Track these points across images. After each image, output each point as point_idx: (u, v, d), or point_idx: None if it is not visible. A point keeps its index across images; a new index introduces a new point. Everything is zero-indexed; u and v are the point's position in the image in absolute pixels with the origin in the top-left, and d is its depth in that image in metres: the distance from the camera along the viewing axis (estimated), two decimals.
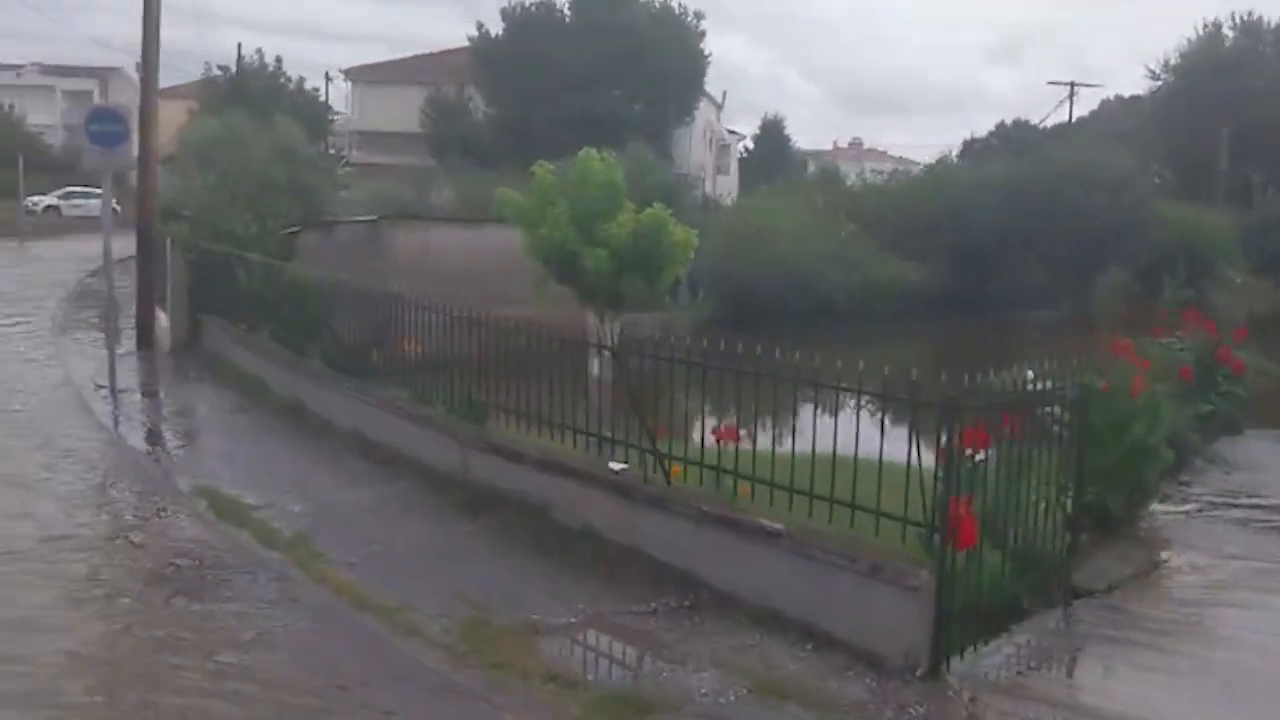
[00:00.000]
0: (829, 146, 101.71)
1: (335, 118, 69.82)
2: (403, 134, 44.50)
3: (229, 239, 18.57)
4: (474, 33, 42.31)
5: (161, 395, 14.04)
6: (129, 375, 14.77)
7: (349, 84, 49.07)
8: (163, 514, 9.12)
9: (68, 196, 50.77)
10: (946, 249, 28.40)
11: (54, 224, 47.06)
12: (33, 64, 78.41)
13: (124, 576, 7.66)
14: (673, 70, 40.38)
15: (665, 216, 17.16)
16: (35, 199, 49.30)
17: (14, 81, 74.22)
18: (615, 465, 8.75)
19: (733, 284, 22.59)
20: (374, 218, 18.67)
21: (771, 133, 67.94)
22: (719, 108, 54.60)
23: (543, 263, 17.39)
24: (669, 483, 8.05)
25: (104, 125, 12.78)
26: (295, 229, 19.75)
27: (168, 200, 27.61)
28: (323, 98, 67.47)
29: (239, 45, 54.04)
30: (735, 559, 7.07)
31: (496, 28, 41.86)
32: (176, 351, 16.33)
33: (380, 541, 8.25)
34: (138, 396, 13.84)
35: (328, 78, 69.68)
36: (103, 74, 77.82)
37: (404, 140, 44.42)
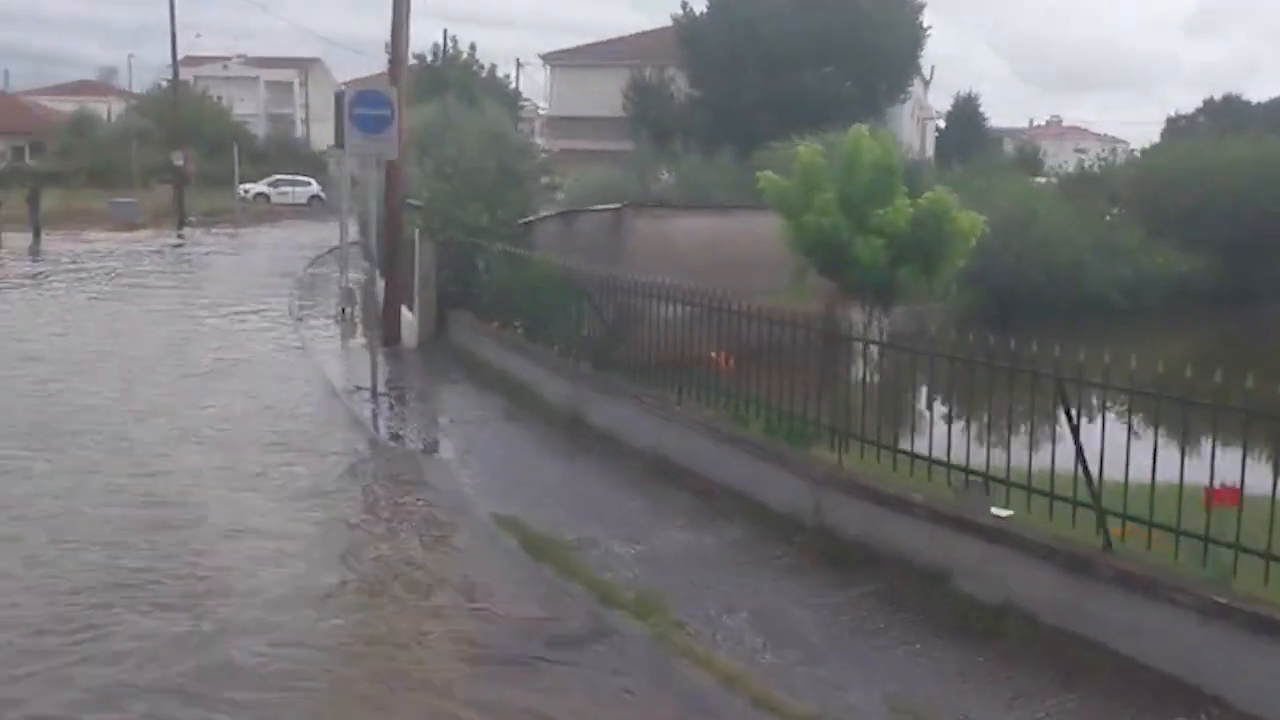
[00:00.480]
0: (1023, 124, 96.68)
1: (524, 104, 70.11)
2: (600, 119, 43.54)
3: (461, 229, 17.65)
4: (678, 12, 40.77)
5: (423, 399, 13.04)
6: (383, 375, 13.85)
7: (547, 69, 48.49)
8: (469, 553, 7.91)
9: (276, 184, 52.05)
10: (1216, 236, 25.30)
11: (264, 211, 48.22)
12: (238, 56, 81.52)
13: (441, 658, 6.20)
14: (889, 45, 37.92)
15: (950, 201, 15.26)
16: (246, 187, 50.66)
17: (221, 73, 77.19)
18: (999, 512, 7.05)
19: (992, 274, 20.37)
20: (616, 205, 17.34)
21: (966, 111, 64.29)
22: (926, 84, 51.65)
23: (804, 253, 15.76)
24: (1109, 546, 6.30)
25: (369, 109, 11.78)
26: (532, 218, 18.69)
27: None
28: (512, 85, 68.00)
29: (444, 32, 53.88)
30: (1270, 670, 5.24)
31: (701, 5, 40.31)
32: (424, 347, 15.41)
33: (747, 608, 6.71)
34: (400, 400, 12.87)
35: (518, 64, 70.20)
36: (303, 64, 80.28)
37: (601, 125, 43.46)
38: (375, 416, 11.95)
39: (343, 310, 18.83)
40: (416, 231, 15.42)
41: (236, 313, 19.02)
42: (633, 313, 11.21)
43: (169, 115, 58.49)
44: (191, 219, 40.99)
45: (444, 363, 14.49)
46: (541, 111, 54.42)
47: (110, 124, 62.70)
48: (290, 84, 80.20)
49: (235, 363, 14.45)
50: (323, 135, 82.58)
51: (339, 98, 18.48)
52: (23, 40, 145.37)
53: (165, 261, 28.57)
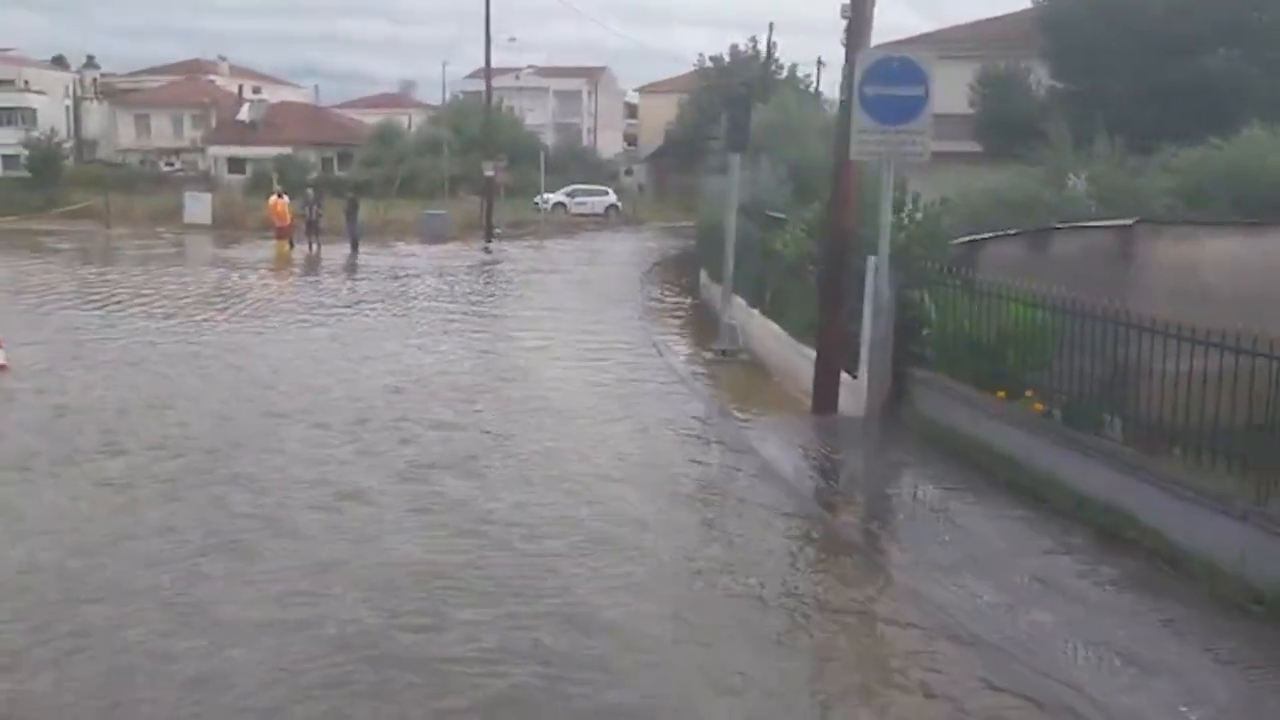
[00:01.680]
0: None
1: (827, 105, 65.61)
2: (940, 116, 38.28)
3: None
4: None
5: (941, 533, 8.59)
6: (849, 471, 9.71)
7: None
8: None
9: (574, 194, 49.99)
10: None
11: (564, 221, 46.08)
12: (529, 67, 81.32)
13: None
14: None
15: None
16: (544, 197, 48.86)
17: (513, 84, 77.05)
18: None
19: None
20: (1124, 222, 12.59)
21: None
22: None
23: None
24: None
25: (892, 86, 7.60)
26: (973, 238, 14.16)
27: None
28: (813, 85, 63.65)
29: (771, 37, 50.31)
30: None
31: None
32: (878, 422, 11.02)
33: None
34: (905, 528, 8.55)
35: (820, 63, 65.79)
36: (591, 73, 79.16)
37: (940, 123, 38.25)
38: (885, 571, 7.73)
39: (723, 352, 15.04)
40: (870, 261, 11.16)
41: (595, 356, 15.58)
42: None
43: (465, 125, 58.30)
44: (498, 230, 39.07)
45: (927, 453, 9.98)
46: None
47: (411, 135, 63.17)
48: (578, 93, 79.16)
49: (618, 433, 10.84)
50: (609, 144, 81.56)
51: (734, 98, 14.78)
52: (328, 60, 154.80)
53: (487, 280, 26.02)
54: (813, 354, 12.95)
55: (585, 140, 75.85)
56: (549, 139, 71.60)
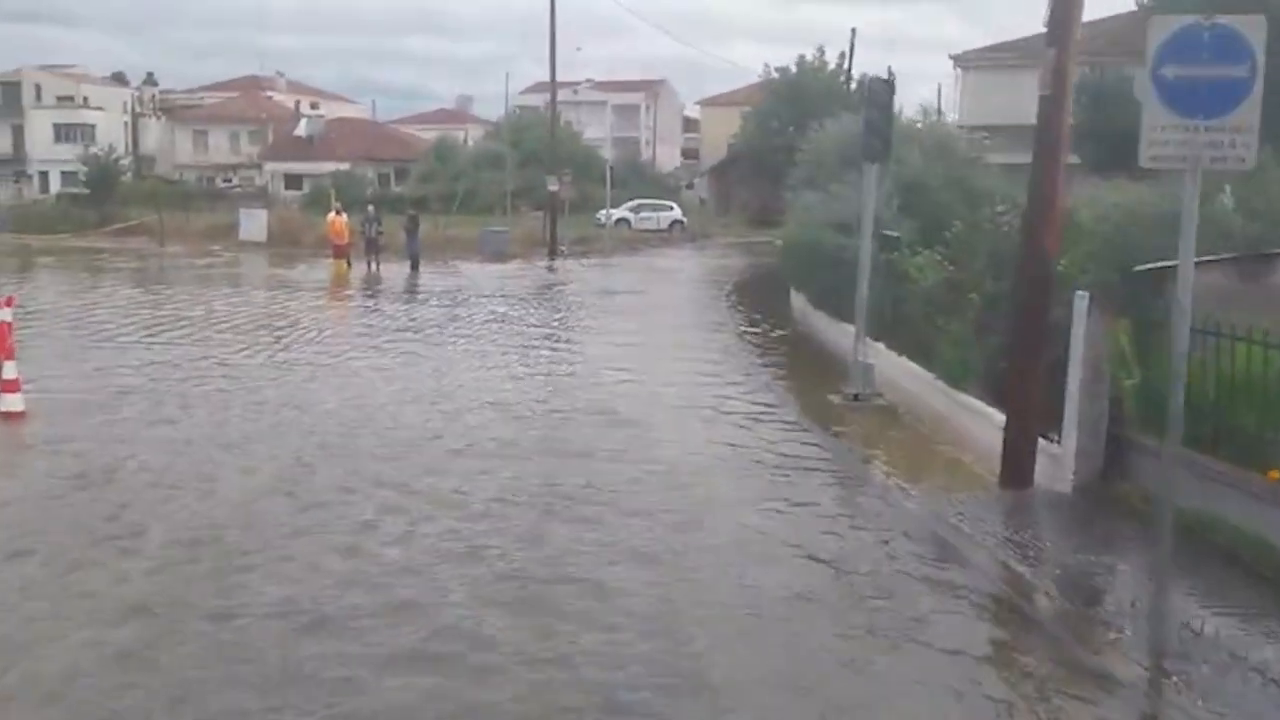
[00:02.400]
0: None
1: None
2: (1021, 126, 35.65)
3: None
4: None
5: (1243, 677, 6.14)
6: (1089, 582, 7.29)
7: (957, 72, 41.18)
8: None
9: (638, 209, 47.87)
10: None
11: (628, 237, 43.98)
12: (586, 80, 79.60)
13: None
14: None
15: None
16: (606, 212, 46.81)
17: (572, 98, 75.32)
18: None
19: None
20: None
21: None
22: None
23: None
24: None
25: (1204, 65, 5.21)
26: (1156, 266, 11.72)
27: (840, 216, 21.17)
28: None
29: (852, 47, 48.11)
30: None
31: None
32: (1092, 497, 8.66)
33: None
34: (1192, 675, 6.03)
35: (890, 73, 63.06)
36: (650, 87, 77.30)
37: (1021, 134, 35.63)
38: None
39: (854, 396, 12.73)
40: (1086, 299, 8.80)
41: (703, 400, 13.33)
42: None
43: (523, 140, 56.56)
44: (562, 248, 37.07)
45: (1177, 551, 7.48)
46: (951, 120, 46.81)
47: (469, 150, 61.62)
48: (636, 107, 77.24)
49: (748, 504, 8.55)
50: (667, 157, 79.55)
51: (874, 95, 12.59)
52: (384, 77, 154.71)
53: (558, 304, 23.89)
54: (978, 406, 10.61)
55: (644, 154, 73.84)
56: (607, 153, 69.69)
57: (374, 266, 29.73)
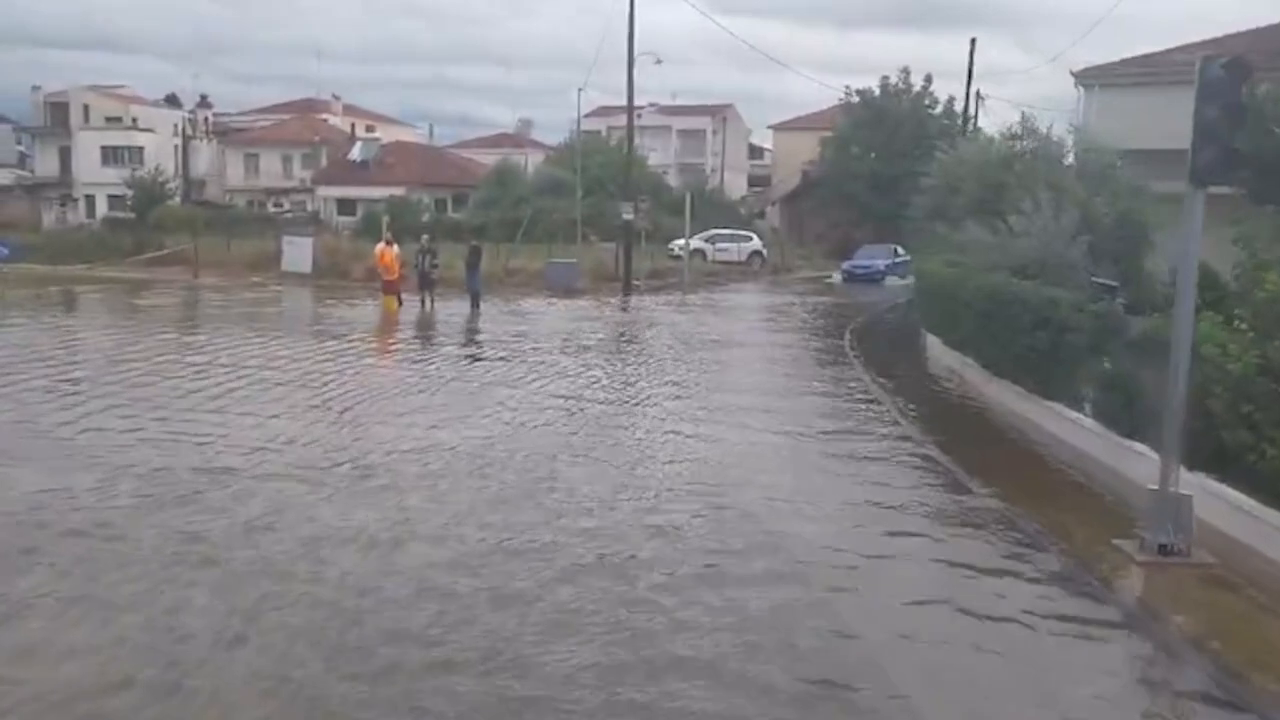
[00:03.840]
0: None
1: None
2: (1162, 151, 30.67)
3: None
4: None
5: None
6: None
7: (1080, 90, 36.38)
8: None
9: (713, 239, 43.35)
10: None
11: (704, 271, 39.52)
12: (650, 104, 75.47)
13: None
14: None
15: None
16: (687, 242, 42.45)
17: (636, 123, 71.25)
18: None
19: None
20: None
21: None
22: None
23: None
24: None
25: None
26: None
27: (1019, 256, 16.59)
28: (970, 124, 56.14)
29: (972, 56, 43.53)
30: None
31: None
32: None
33: None
34: None
35: (979, 96, 58.22)
36: (716, 111, 72.99)
37: (1152, 159, 30.64)
38: None
39: (1162, 548, 8.09)
40: None
41: (900, 536, 8.81)
42: None
43: (586, 165, 52.46)
44: (637, 282, 32.70)
45: None
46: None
47: (530, 175, 57.72)
48: (702, 132, 72.88)
49: None
50: (734, 185, 75.05)
51: (1211, 75, 8.04)
52: (440, 105, 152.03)
53: (646, 356, 19.38)
54: None
55: (709, 181, 69.45)
56: (672, 179, 65.49)
57: (428, 305, 25.55)
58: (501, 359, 17.92)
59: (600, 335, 22.38)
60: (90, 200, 56.76)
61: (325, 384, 14.93)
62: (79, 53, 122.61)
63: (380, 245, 26.32)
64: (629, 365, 17.97)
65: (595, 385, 15.50)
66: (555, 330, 22.46)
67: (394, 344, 20.82)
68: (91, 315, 25.80)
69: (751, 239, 45.08)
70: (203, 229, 37.22)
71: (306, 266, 33.54)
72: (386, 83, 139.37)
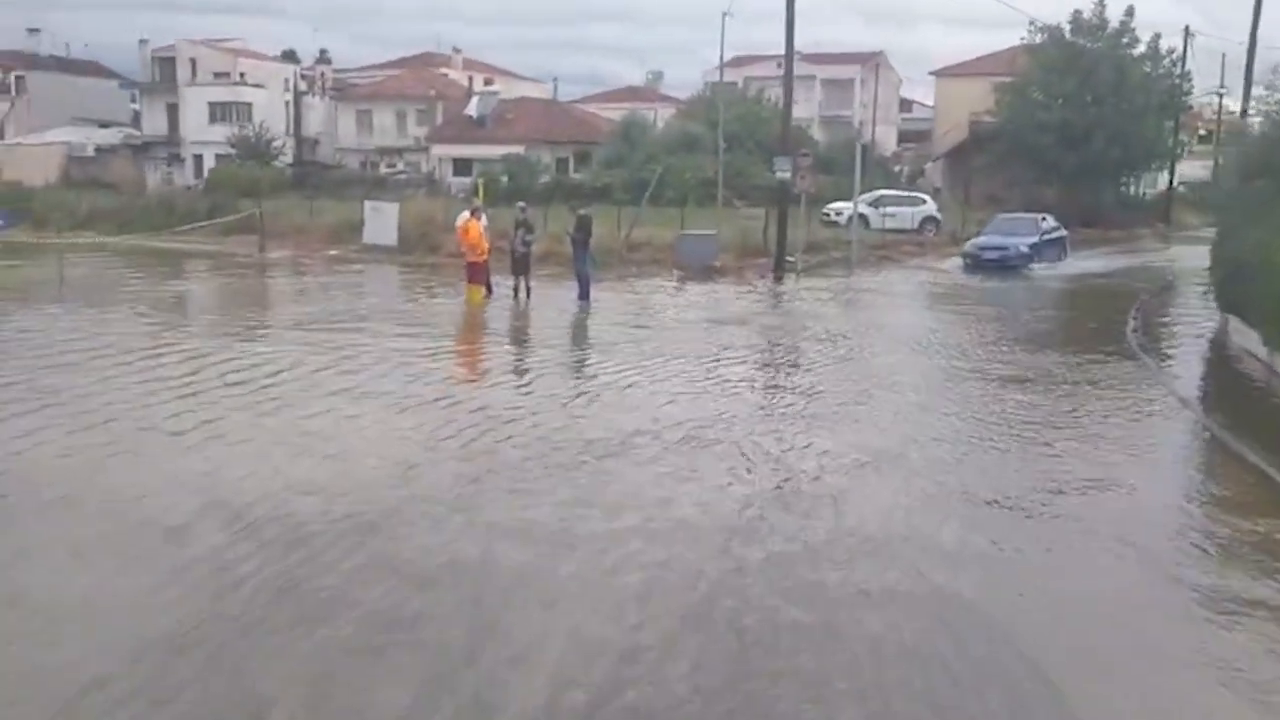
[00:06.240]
0: None
1: (1188, 93, 47.96)
2: None
3: None
4: None
5: None
6: None
7: None
8: None
9: (878, 203, 35.41)
10: None
11: (871, 241, 31.68)
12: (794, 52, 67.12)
13: None
14: None
15: None
16: (835, 207, 34.84)
17: (775, 73, 63.07)
18: None
19: None
20: None
21: None
22: None
23: None
24: None
25: None
26: None
27: None
28: (1177, 65, 46.24)
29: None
30: None
31: None
32: None
33: None
34: None
35: (1187, 33, 48.19)
36: (866, 59, 64.15)
37: None
38: None
39: None
40: None
41: None
42: None
43: (724, 119, 45.00)
44: (791, 259, 25.41)
45: None
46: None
47: (659, 131, 50.65)
48: (850, 82, 64.21)
49: None
50: (885, 140, 66.26)
51: None
52: (567, 63, 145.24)
53: (843, 397, 12.11)
54: None
55: (858, 135, 60.90)
56: (816, 134, 57.35)
57: (522, 295, 18.94)
58: (649, 370, 11.01)
59: (761, 346, 15.27)
60: (199, 160, 52.23)
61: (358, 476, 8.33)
62: (205, 16, 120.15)
63: (464, 216, 19.59)
64: (814, 391, 10.76)
65: (775, 424, 8.43)
66: (691, 341, 15.48)
67: (484, 353, 14.21)
68: (165, 307, 19.96)
69: (925, 201, 36.93)
70: (267, 191, 31.39)
71: (391, 239, 27.32)
72: (515, 44, 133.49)
